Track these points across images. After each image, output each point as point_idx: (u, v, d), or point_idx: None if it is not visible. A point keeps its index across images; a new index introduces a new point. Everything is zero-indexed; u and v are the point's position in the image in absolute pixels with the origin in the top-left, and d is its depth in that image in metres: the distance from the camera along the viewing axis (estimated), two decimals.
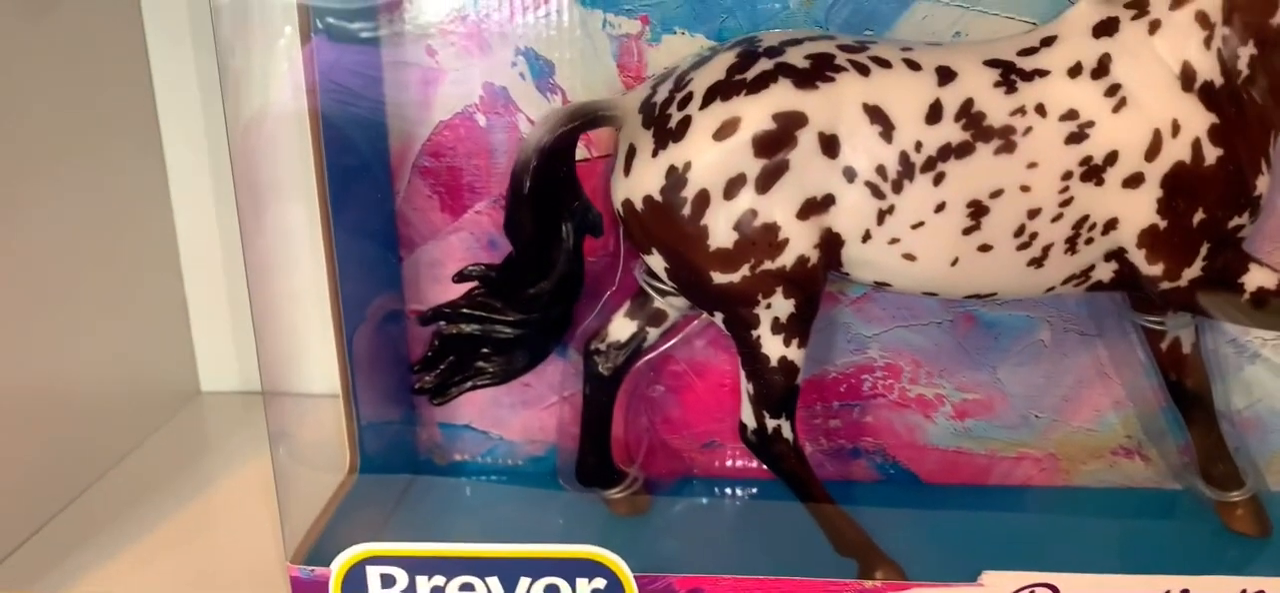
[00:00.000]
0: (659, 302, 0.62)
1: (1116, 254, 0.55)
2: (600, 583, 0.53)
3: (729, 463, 0.72)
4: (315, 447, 0.67)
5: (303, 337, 0.66)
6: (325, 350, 0.66)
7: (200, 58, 0.83)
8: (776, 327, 0.56)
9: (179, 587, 0.65)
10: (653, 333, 0.64)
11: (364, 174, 0.68)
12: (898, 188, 0.53)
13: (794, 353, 0.56)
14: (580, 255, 0.62)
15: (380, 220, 0.69)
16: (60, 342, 0.75)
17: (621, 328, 0.64)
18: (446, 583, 0.53)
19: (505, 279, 0.61)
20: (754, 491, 0.71)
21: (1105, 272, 0.56)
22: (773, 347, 0.56)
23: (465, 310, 0.62)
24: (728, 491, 0.72)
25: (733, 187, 0.53)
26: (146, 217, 0.86)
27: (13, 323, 0.69)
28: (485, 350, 0.63)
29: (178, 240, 0.88)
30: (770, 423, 0.58)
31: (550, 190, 0.59)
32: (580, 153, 0.63)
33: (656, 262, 0.57)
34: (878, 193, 0.53)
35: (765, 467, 0.61)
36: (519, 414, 0.73)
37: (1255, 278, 0.55)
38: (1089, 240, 0.54)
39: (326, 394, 0.68)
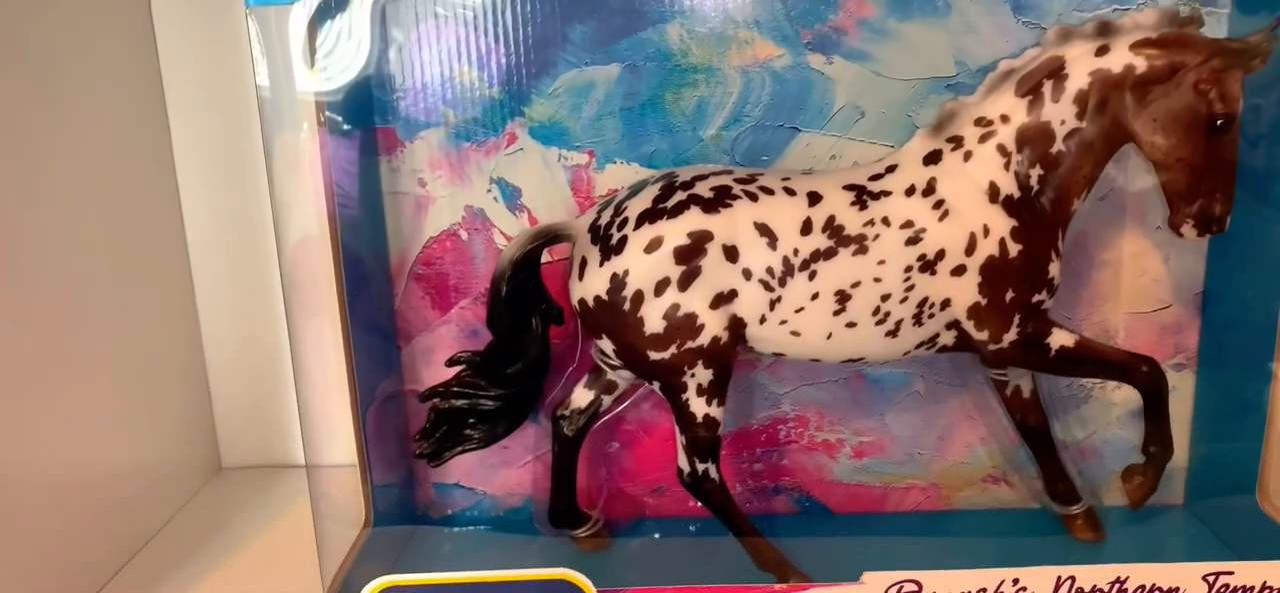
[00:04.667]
0: (610, 375, 0.74)
1: (954, 325, 0.68)
2: None
3: (674, 504, 0.83)
4: (337, 506, 0.76)
5: (327, 416, 0.75)
6: (344, 427, 0.76)
7: (222, 163, 0.91)
8: (700, 391, 0.69)
9: None
10: (607, 400, 0.76)
11: (370, 282, 0.79)
12: (783, 283, 0.66)
13: (715, 410, 0.69)
14: (547, 341, 0.73)
15: (384, 317, 0.81)
16: (91, 424, 0.79)
17: (581, 397, 0.75)
18: None
19: (487, 363, 0.73)
20: (695, 527, 0.82)
21: (948, 338, 0.69)
22: (698, 406, 0.69)
23: (455, 388, 0.73)
24: (675, 527, 0.82)
25: (660, 287, 0.66)
26: (171, 305, 0.91)
27: (35, 408, 0.72)
28: (472, 421, 0.74)
29: (200, 327, 0.94)
30: (700, 467, 0.71)
31: (521, 293, 0.71)
32: (545, 258, 0.75)
33: (606, 345, 0.70)
34: (768, 287, 0.67)
35: (699, 503, 0.73)
36: (499, 473, 0.83)
37: (1057, 339, 0.69)
38: (931, 315, 0.68)
39: (344, 464, 0.77)
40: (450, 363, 0.74)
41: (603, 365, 0.75)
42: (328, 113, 0.73)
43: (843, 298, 0.67)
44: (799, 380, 0.81)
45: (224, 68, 0.90)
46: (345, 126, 0.75)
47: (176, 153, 0.92)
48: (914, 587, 0.66)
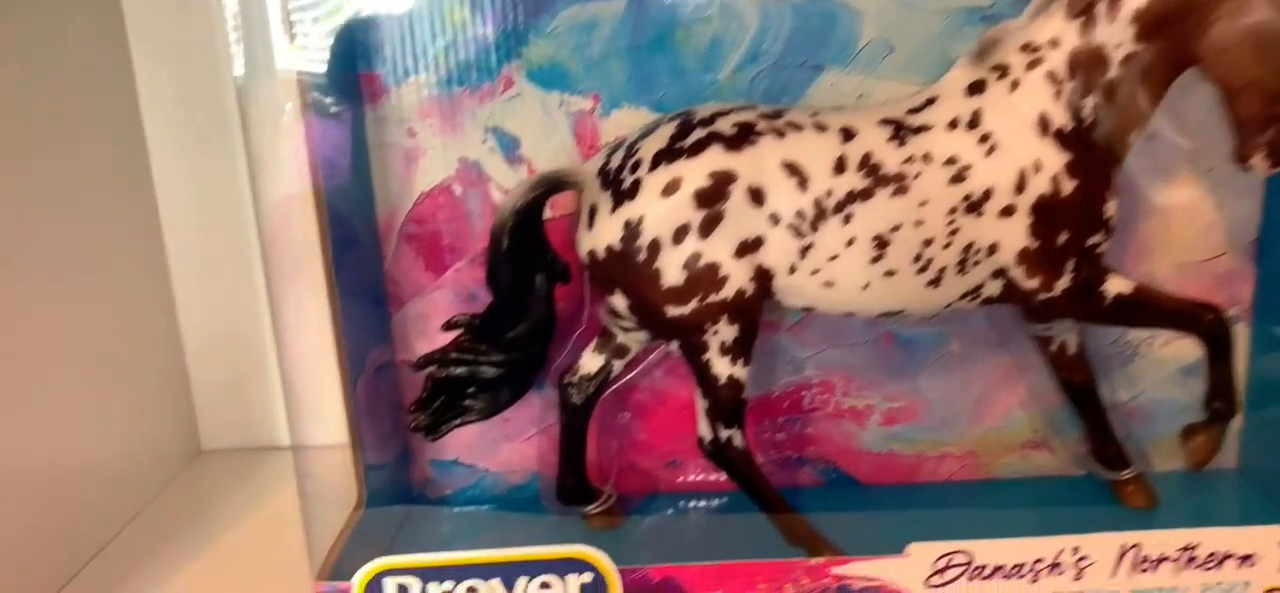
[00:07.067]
0: (622, 337, 0.69)
1: (1000, 273, 0.63)
2: (588, 577, 0.60)
3: (691, 478, 0.78)
4: (326, 487, 0.71)
5: (314, 390, 0.70)
6: (332, 402, 0.71)
7: (195, 127, 0.86)
8: (723, 349, 0.63)
9: None
10: (618, 365, 0.70)
11: (356, 244, 0.73)
12: (814, 228, 0.61)
13: (739, 371, 0.64)
14: (552, 301, 0.67)
15: (373, 281, 0.75)
16: (62, 410, 0.75)
17: (590, 362, 0.70)
18: (454, 588, 0.60)
19: (488, 326, 0.67)
20: (714, 502, 0.76)
21: (993, 288, 0.64)
22: (721, 367, 0.63)
23: (453, 355, 0.67)
24: (691, 503, 0.77)
25: (679, 234, 0.61)
26: (144, 282, 0.86)
27: (11, 395, 0.69)
28: (471, 390, 0.68)
29: (175, 304, 0.90)
30: (723, 433, 0.65)
31: (524, 247, 0.65)
32: (547, 213, 0.68)
33: (619, 301, 0.64)
34: (798, 233, 0.61)
35: (723, 474, 0.67)
36: (501, 448, 0.78)
37: (1113, 285, 0.64)
38: (976, 262, 0.62)
39: (333, 444, 0.72)
40: (447, 327, 0.69)
41: (613, 328, 0.69)
42: (305, 59, 0.66)
43: (881, 244, 0.61)
44: (824, 343, 0.76)
45: (192, 22, 0.84)
46: (326, 72, 0.69)
47: (145, 119, 0.86)
48: (964, 558, 0.61)
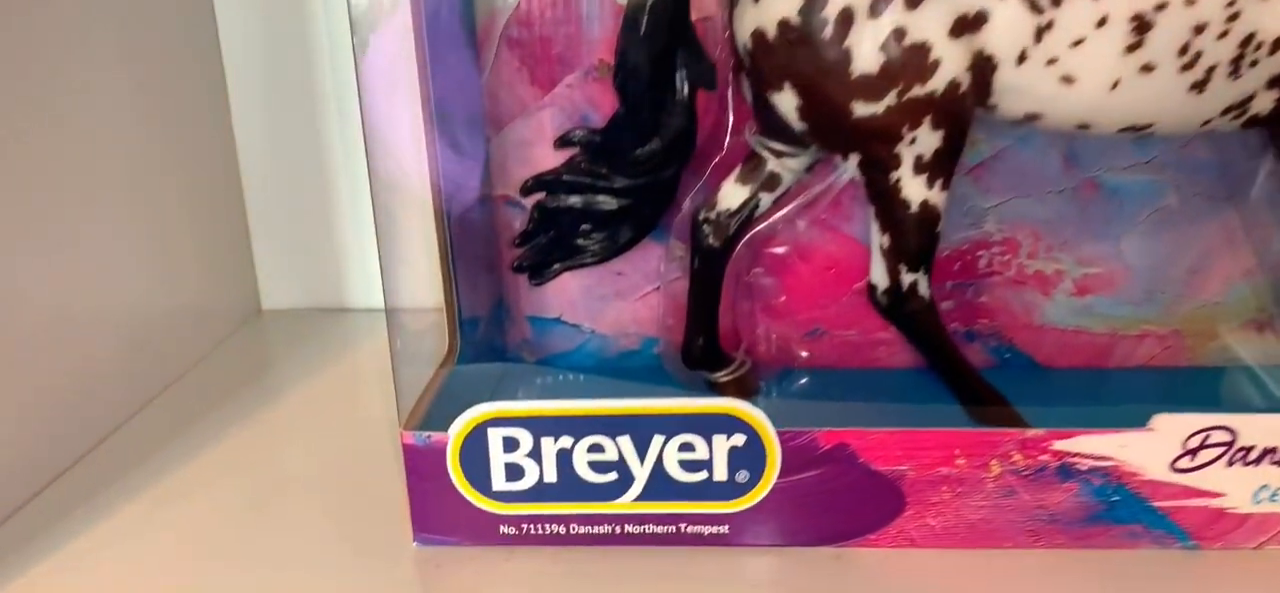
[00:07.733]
0: (773, 164, 0.56)
1: None
2: (739, 440, 0.48)
3: (834, 352, 0.65)
4: (412, 337, 0.60)
5: (401, 227, 0.60)
6: (420, 248, 0.61)
7: None
8: (919, 165, 0.50)
9: (256, 490, 0.61)
10: (766, 199, 0.58)
11: (450, 50, 0.61)
12: (1056, 1, 0.47)
13: (937, 196, 0.51)
14: (694, 110, 0.55)
15: (468, 96, 0.63)
16: (123, 262, 0.70)
17: (733, 195, 0.57)
18: (574, 444, 0.48)
19: (613, 141, 0.56)
20: (868, 377, 0.64)
21: (1266, 101, 0.50)
22: (914, 189, 0.50)
23: (567, 179, 0.56)
24: (834, 380, 0.65)
25: (879, 2, 0.48)
26: (207, 137, 0.81)
27: (76, 245, 0.65)
28: (586, 226, 0.57)
29: (238, 160, 0.83)
30: (906, 278, 0.53)
31: (667, 32, 0.53)
32: None
33: (788, 100, 0.51)
34: (1035, 7, 0.47)
35: (897, 329, 0.55)
36: (612, 306, 0.66)
37: None
38: (1254, 63, 0.48)
39: (423, 295, 0.62)
40: (561, 143, 0.57)
41: (764, 152, 0.56)
42: None
43: (1141, 26, 0.48)
44: (1012, 190, 0.63)
45: None
46: None
47: None
48: (1226, 436, 0.48)
